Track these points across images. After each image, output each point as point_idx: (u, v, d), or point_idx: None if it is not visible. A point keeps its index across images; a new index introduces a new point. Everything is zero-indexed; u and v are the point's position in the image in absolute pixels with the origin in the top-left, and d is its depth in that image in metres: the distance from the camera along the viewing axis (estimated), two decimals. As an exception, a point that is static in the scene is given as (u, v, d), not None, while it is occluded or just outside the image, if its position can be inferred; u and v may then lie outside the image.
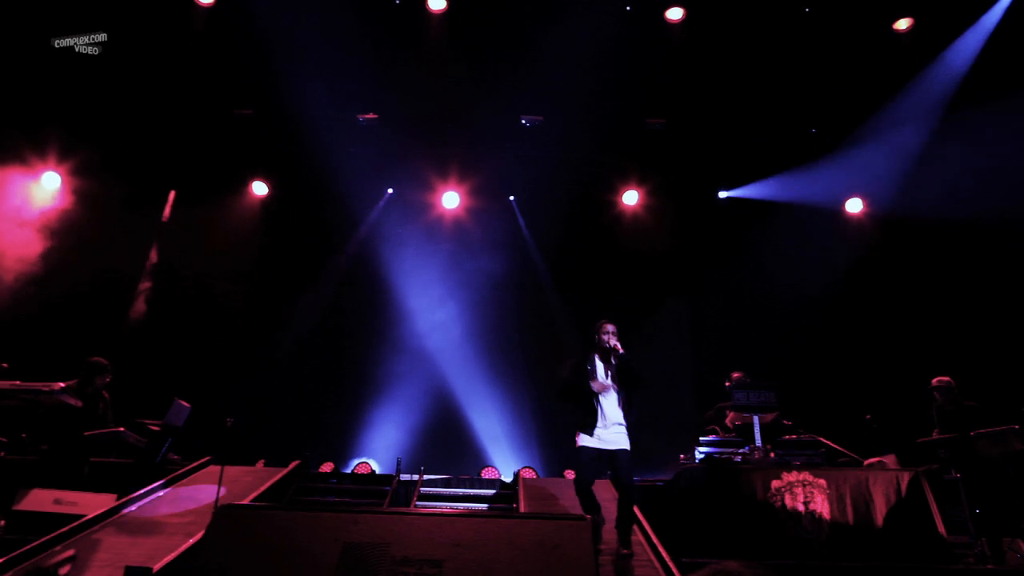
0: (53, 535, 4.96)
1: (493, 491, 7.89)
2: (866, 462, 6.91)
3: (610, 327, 5.59)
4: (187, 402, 7.19)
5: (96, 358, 7.06)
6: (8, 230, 9.90)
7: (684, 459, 7.08)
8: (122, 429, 6.73)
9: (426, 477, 7.91)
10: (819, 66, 9.96)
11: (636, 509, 5.44)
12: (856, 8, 9.55)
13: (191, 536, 5.02)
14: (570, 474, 8.65)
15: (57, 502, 5.66)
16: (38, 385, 6.13)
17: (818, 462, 6.59)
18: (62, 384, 6.15)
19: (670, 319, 11.13)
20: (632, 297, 11.07)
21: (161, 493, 6.26)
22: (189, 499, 6.12)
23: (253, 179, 11.64)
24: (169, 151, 10.98)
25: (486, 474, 9.88)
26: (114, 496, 5.84)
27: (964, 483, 6.11)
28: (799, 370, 9.62)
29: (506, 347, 11.18)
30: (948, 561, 5.67)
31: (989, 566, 5.66)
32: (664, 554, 5.08)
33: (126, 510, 5.76)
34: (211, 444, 7.26)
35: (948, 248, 10.11)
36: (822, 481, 5.99)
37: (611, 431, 5.36)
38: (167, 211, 11.43)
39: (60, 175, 10.59)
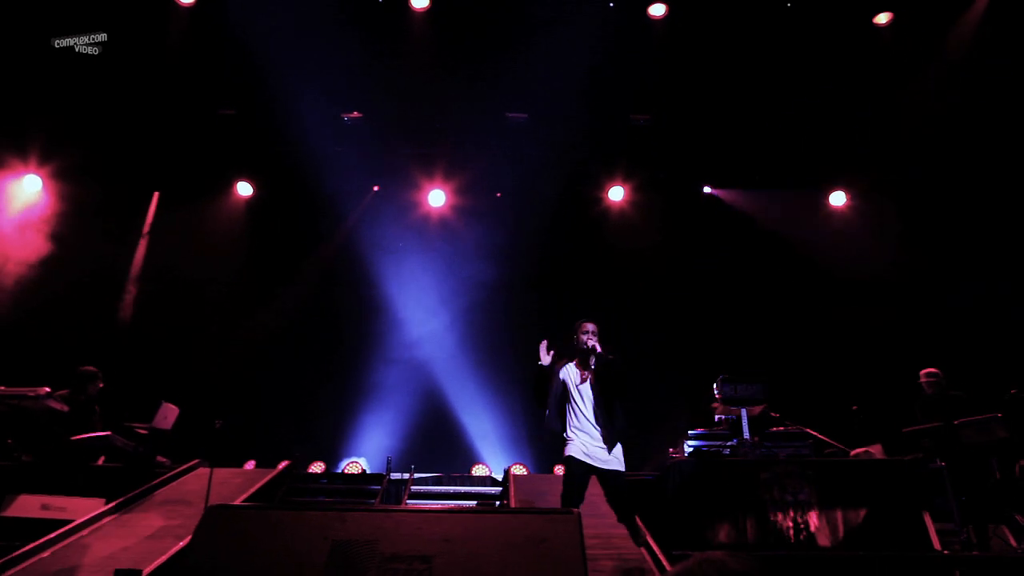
0: (42, 540, 4.93)
1: (484, 488, 7.92)
2: (852, 452, 6.98)
3: (590, 326, 5.12)
4: (175, 405, 7.16)
5: (87, 367, 7.06)
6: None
7: (674, 453, 7.13)
8: (109, 433, 6.69)
9: (417, 475, 7.93)
10: (802, 60, 10.01)
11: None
12: (837, 1, 9.61)
13: (180, 539, 4.99)
14: (560, 470, 8.66)
15: (45, 507, 5.63)
16: (23, 390, 6.10)
17: (805, 453, 6.64)
18: (47, 388, 6.11)
19: (657, 313, 11.17)
20: (618, 291, 11.10)
21: (150, 496, 6.23)
22: (178, 502, 6.11)
23: (238, 179, 11.58)
24: (152, 152, 10.88)
25: (476, 471, 9.89)
26: (103, 500, 5.81)
27: (949, 471, 6.17)
28: (786, 362, 9.74)
29: (495, 344, 11.17)
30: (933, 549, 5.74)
31: (975, 552, 5.74)
32: (655, 547, 5.11)
33: (115, 514, 5.72)
34: (200, 446, 7.24)
35: (932, 240, 10.24)
36: (810, 472, 6.03)
37: (597, 443, 4.89)
38: (151, 214, 11.35)
39: (41, 178, 10.47)
